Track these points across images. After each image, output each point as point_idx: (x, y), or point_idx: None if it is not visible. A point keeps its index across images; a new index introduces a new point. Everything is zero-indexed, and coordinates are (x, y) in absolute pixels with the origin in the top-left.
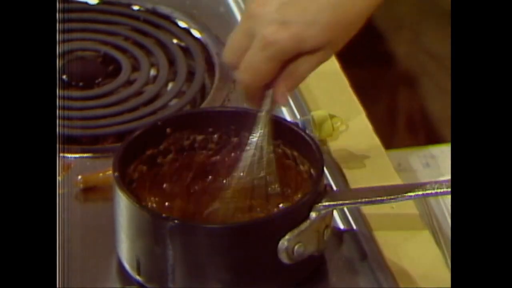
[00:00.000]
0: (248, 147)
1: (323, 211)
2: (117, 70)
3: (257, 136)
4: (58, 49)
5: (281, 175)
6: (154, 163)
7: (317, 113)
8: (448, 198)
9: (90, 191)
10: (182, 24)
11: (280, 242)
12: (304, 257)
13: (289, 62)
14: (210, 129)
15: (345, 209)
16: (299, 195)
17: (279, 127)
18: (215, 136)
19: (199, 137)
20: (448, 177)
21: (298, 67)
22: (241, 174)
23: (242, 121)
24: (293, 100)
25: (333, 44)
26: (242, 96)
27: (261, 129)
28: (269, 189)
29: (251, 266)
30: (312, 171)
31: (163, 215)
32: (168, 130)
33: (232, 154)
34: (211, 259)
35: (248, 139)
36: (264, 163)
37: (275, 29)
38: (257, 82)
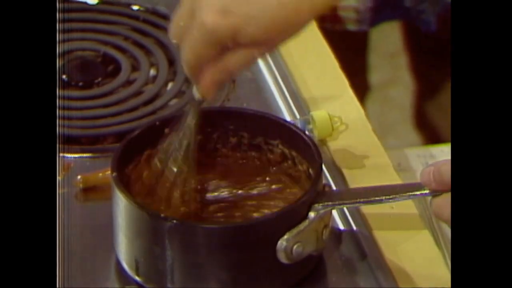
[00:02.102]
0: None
1: (321, 211)
2: (117, 70)
3: (182, 128)
4: (58, 49)
5: (280, 175)
6: (152, 163)
7: (317, 113)
8: None
9: (89, 191)
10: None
11: (279, 242)
12: (303, 257)
13: (227, 49)
14: (209, 129)
15: (345, 209)
16: (298, 195)
17: (278, 127)
18: (214, 136)
19: (198, 137)
20: None
21: (229, 59)
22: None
23: (241, 121)
24: (292, 100)
25: (270, 43)
26: (186, 73)
27: (188, 121)
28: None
29: (249, 266)
30: (310, 171)
31: (162, 215)
32: (166, 130)
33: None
34: (210, 259)
35: (247, 139)
36: (180, 157)
37: (214, 17)
38: (196, 62)
